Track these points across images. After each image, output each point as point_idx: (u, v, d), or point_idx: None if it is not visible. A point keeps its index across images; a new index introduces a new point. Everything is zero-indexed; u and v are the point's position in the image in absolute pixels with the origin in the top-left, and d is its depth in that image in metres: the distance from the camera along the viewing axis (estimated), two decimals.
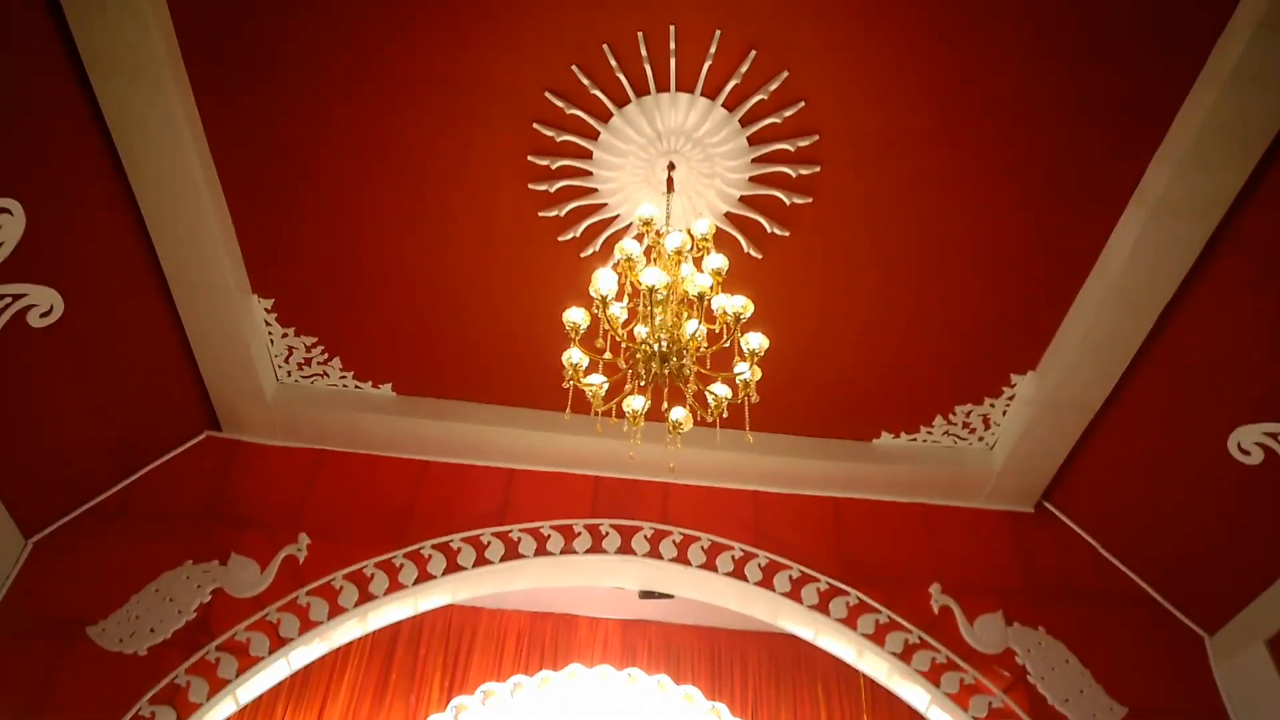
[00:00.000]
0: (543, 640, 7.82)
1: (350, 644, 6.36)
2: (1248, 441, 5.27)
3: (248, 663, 5.69)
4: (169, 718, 5.46)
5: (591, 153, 4.90)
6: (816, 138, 4.80)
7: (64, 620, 5.62)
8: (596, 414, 4.14)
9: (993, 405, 6.21)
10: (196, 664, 5.61)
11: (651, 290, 3.83)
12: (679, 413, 4.17)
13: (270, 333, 6.04)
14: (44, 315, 4.89)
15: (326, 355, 6.21)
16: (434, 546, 6.07)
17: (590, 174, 5.01)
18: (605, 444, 6.07)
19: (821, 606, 6.07)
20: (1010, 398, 6.13)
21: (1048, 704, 5.79)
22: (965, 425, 6.36)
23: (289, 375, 6.31)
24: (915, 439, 6.50)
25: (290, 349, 6.15)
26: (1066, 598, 6.26)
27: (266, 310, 5.92)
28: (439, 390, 6.40)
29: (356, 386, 6.36)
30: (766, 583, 6.13)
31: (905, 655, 5.95)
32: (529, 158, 4.97)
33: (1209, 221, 4.74)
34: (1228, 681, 5.98)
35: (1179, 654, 6.14)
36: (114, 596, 5.72)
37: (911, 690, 5.98)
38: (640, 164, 4.90)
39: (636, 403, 4.10)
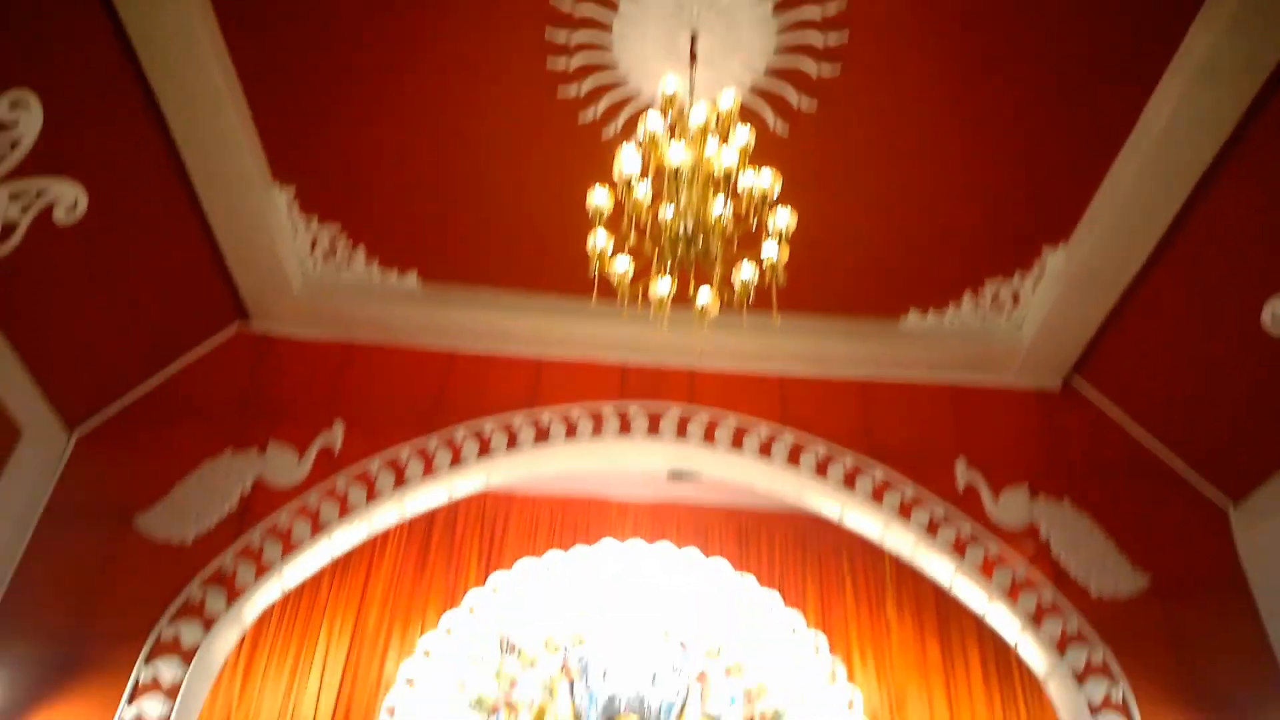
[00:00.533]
0: (574, 522, 8.01)
1: (388, 531, 6.54)
2: None
3: (291, 547, 5.88)
4: (219, 599, 5.69)
5: (610, 25, 4.74)
6: (845, 3, 4.62)
7: (112, 511, 5.82)
8: (623, 299, 4.12)
9: (1022, 280, 6.14)
10: (242, 550, 5.81)
11: (677, 171, 3.76)
12: (705, 296, 4.12)
13: (294, 222, 6.02)
14: (69, 210, 4.88)
15: (350, 244, 6.20)
16: (466, 432, 6.18)
17: (609, 49, 4.87)
18: (632, 329, 6.09)
19: (847, 484, 6.15)
20: (1040, 272, 6.05)
21: (1070, 576, 5.90)
22: (994, 302, 6.30)
23: (315, 268, 6.32)
24: (943, 317, 6.45)
25: (314, 240, 6.14)
26: (1092, 472, 6.30)
27: (289, 199, 5.89)
28: (464, 276, 6.39)
29: (381, 275, 6.36)
30: (793, 461, 6.20)
31: (930, 530, 6.05)
32: (546, 30, 4.82)
33: (1251, 86, 4.56)
34: (1249, 552, 6.05)
35: (1202, 525, 6.20)
36: (158, 486, 5.90)
37: (936, 564, 6.10)
38: (661, 35, 4.74)
39: (663, 287, 4.07)
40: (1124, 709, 5.52)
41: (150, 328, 5.98)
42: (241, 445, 6.04)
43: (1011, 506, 6.11)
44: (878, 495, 6.12)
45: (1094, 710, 5.51)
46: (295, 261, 6.22)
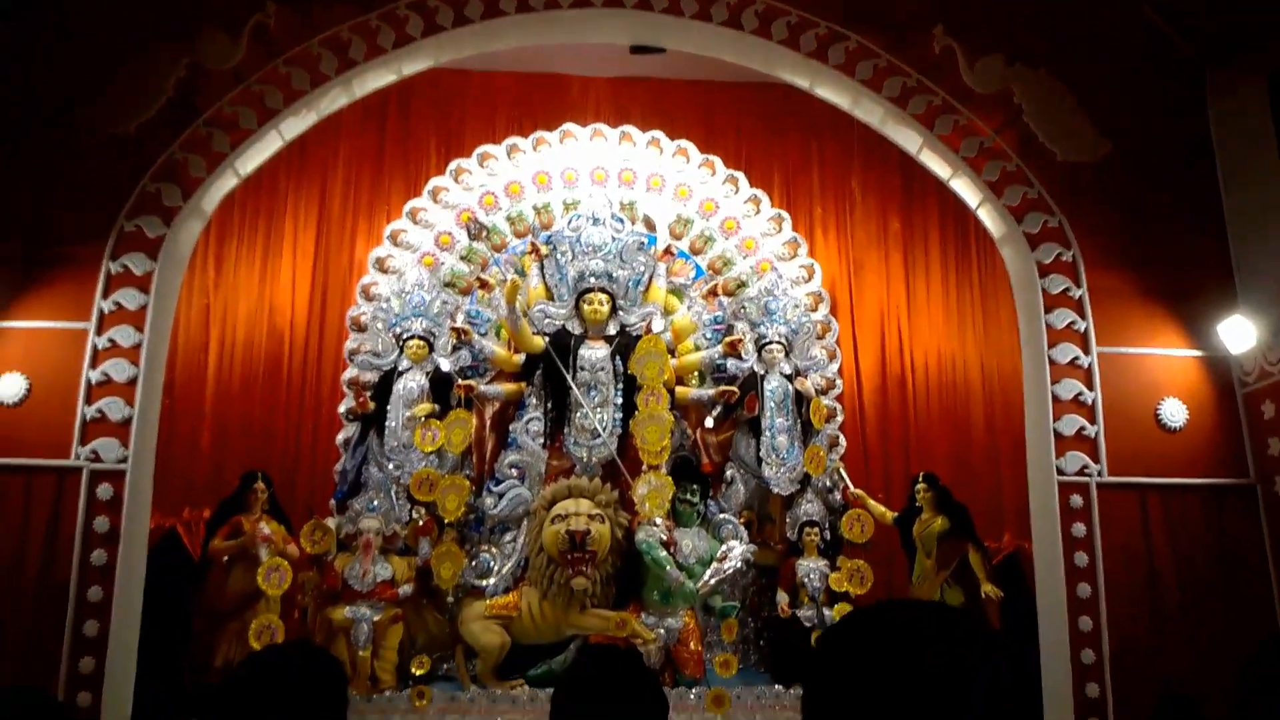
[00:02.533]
0: (533, 103, 7.71)
1: (341, 115, 6.27)
2: None
3: (239, 136, 5.67)
4: (174, 193, 5.58)
5: None
6: None
7: (48, 108, 5.53)
8: None
9: None
10: (188, 139, 5.60)
11: None
12: None
13: None
14: None
15: None
16: (409, 6, 5.70)
17: None
18: None
19: (819, 54, 5.87)
20: None
21: (1038, 141, 5.86)
22: None
23: None
24: None
25: None
26: (1072, 39, 6.03)
27: None
28: None
29: None
30: (763, 30, 5.85)
31: (901, 100, 5.89)
32: None
33: None
34: (1220, 118, 5.99)
35: (1177, 93, 6.07)
36: (92, 79, 5.56)
37: (904, 135, 6.02)
38: None
39: None
40: (1072, 269, 5.78)
41: None
42: (171, 32, 5.59)
43: (987, 72, 5.90)
44: (850, 64, 5.88)
45: (1043, 272, 5.76)
46: None
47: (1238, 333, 5.61)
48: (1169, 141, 6.02)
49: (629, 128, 7.27)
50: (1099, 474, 5.50)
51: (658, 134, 7.26)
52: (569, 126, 7.24)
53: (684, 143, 7.28)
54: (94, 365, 5.33)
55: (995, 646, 0.90)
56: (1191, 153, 6.00)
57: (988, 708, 0.85)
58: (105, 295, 5.41)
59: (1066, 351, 5.66)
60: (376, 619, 5.53)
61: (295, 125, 5.81)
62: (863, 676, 0.89)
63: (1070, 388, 5.61)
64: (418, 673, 5.46)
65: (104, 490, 5.18)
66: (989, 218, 6.01)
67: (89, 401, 5.29)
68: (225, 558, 5.89)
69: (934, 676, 0.85)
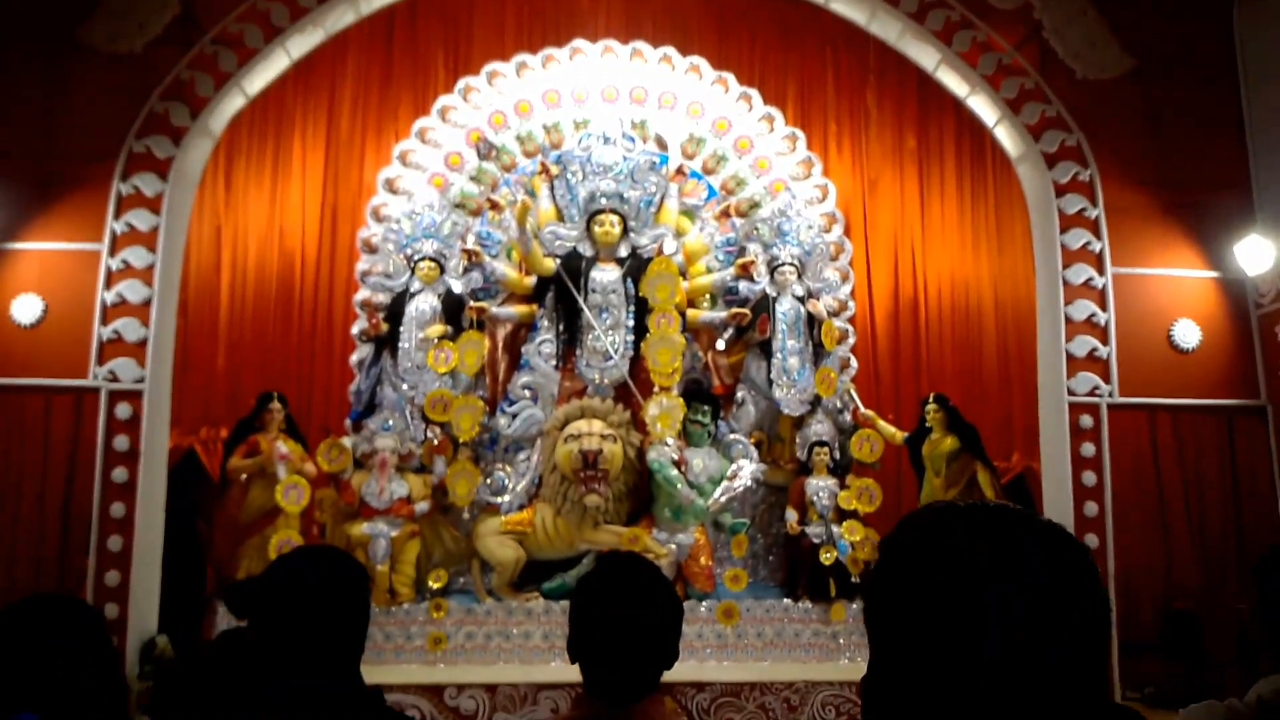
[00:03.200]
0: (543, 16, 7.55)
1: (348, 33, 6.16)
2: None
3: (246, 54, 5.61)
4: (182, 113, 5.54)
5: None
6: None
7: (50, 28, 5.46)
8: None
9: None
10: (195, 59, 5.55)
11: None
12: None
13: None
14: None
15: None
16: None
17: None
18: None
19: None
20: None
21: (1058, 58, 5.75)
22: None
23: None
24: None
25: None
26: None
27: None
28: None
29: None
30: None
31: (919, 15, 5.77)
32: None
33: None
34: (1247, 35, 5.84)
35: (1203, 7, 5.91)
36: None
37: (922, 51, 5.90)
38: None
39: None
40: (1089, 189, 5.71)
41: None
42: None
43: None
44: None
45: (1060, 191, 5.70)
46: None
47: (1255, 253, 5.56)
48: (1193, 58, 5.89)
49: (640, 44, 7.12)
50: (1110, 395, 5.52)
51: (669, 50, 7.11)
52: (579, 43, 7.10)
53: (696, 59, 7.14)
54: (108, 286, 5.37)
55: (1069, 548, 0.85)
56: (1215, 70, 5.87)
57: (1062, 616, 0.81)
58: (117, 216, 5.42)
59: (1081, 272, 5.63)
60: (394, 535, 5.65)
61: (302, 43, 5.74)
62: (934, 583, 0.83)
63: (1084, 309, 5.59)
64: (435, 586, 5.59)
65: (122, 409, 5.26)
66: (1006, 136, 5.93)
67: (105, 322, 5.34)
68: (244, 476, 5.98)
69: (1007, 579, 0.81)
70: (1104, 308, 5.59)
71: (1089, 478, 5.44)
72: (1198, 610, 5.30)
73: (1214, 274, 5.71)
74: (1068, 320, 5.58)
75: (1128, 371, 5.55)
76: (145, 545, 5.23)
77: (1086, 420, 5.50)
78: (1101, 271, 5.63)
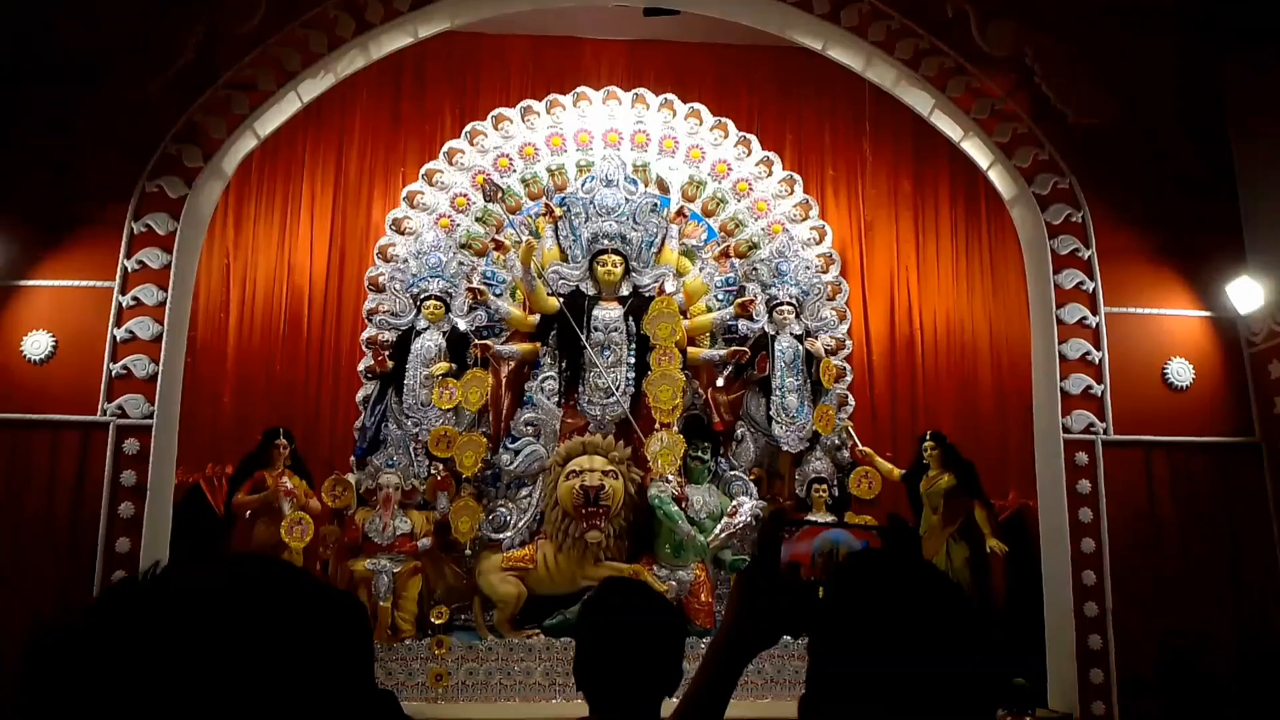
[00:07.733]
0: (547, 65, 7.74)
1: (358, 78, 6.32)
2: None
3: (258, 98, 5.74)
4: (194, 154, 5.67)
5: None
6: None
7: (70, 70, 5.61)
8: None
9: None
10: (208, 101, 5.68)
11: None
12: None
13: None
14: None
15: None
16: None
17: None
18: None
19: (832, 15, 5.89)
20: None
21: (1049, 103, 5.88)
22: None
23: None
24: None
25: None
26: (1084, 1, 6.02)
27: None
28: None
29: None
30: None
31: (914, 62, 5.91)
32: None
33: None
34: (1234, 82, 5.99)
35: (1191, 52, 6.07)
36: (118, 40, 5.62)
37: (917, 96, 6.05)
38: None
39: None
40: (1081, 230, 5.83)
41: None
42: None
43: (998, 36, 5.90)
44: (863, 26, 5.89)
45: (1052, 232, 5.81)
46: None
47: (1245, 293, 5.66)
48: (1181, 104, 6.03)
49: (642, 90, 7.30)
50: (1105, 432, 5.58)
51: (670, 96, 7.29)
52: (583, 89, 7.28)
53: (697, 105, 7.31)
54: (119, 323, 5.45)
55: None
56: (1203, 115, 6.01)
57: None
58: (129, 255, 5.52)
59: (1074, 311, 5.72)
60: (396, 571, 5.69)
61: (313, 87, 5.88)
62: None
63: (1078, 347, 5.68)
64: (437, 622, 5.62)
65: (130, 445, 5.32)
66: (999, 179, 6.06)
67: (114, 359, 5.41)
68: (248, 512, 6.03)
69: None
70: (1098, 346, 5.68)
71: (1085, 514, 5.49)
72: (1194, 647, 5.32)
73: (1206, 313, 5.80)
74: (1062, 359, 5.66)
75: (1122, 409, 5.62)
76: None
77: (1082, 457, 5.56)
78: (1095, 311, 5.73)
